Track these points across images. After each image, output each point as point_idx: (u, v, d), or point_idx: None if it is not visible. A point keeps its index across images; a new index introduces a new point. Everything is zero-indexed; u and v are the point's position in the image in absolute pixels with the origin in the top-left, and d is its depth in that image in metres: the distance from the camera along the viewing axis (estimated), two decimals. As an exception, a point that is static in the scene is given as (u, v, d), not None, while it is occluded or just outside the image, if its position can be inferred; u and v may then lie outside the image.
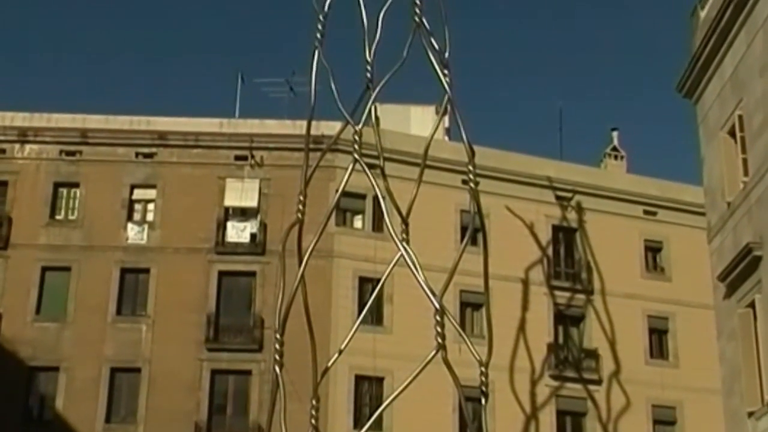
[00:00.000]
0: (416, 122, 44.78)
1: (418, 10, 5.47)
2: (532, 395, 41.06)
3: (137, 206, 41.63)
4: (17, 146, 41.52)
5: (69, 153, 41.64)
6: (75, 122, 42.01)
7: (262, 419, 37.58)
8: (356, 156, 5.19)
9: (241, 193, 40.98)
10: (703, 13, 27.77)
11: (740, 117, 24.86)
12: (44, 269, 40.31)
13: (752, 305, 23.38)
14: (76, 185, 41.43)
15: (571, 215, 44.06)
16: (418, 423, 37.55)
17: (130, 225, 40.96)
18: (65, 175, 41.45)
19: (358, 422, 38.49)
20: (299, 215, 5.14)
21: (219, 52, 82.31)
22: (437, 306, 4.55)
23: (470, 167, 5.26)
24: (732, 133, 25.43)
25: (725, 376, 25.24)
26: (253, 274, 40.52)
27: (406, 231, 4.99)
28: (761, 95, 23.62)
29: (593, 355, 42.53)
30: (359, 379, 39.05)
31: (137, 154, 41.87)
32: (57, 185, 41.37)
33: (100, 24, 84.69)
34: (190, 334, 39.28)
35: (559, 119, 48.64)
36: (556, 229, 43.95)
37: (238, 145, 41.85)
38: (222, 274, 40.66)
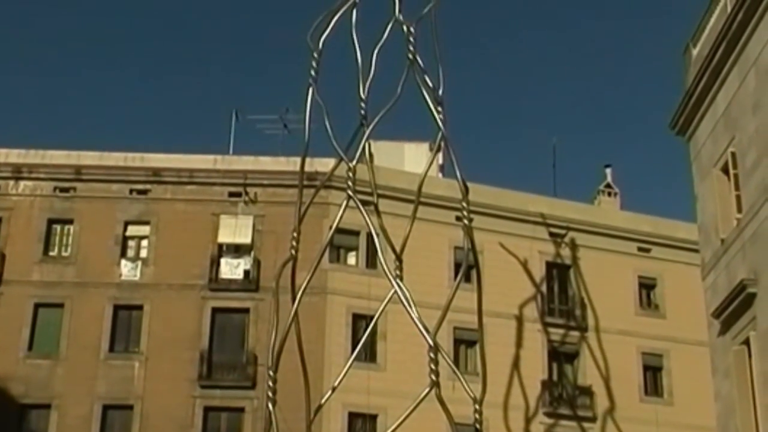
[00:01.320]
0: (410, 159, 44.88)
1: (411, 48, 5.50)
2: (527, 433, 40.87)
3: (131, 243, 41.56)
4: (11, 183, 41.51)
5: (63, 189, 41.63)
6: (69, 159, 42.04)
7: (255, 457, 37.35)
8: (350, 193, 5.20)
9: (235, 229, 40.96)
10: (695, 51, 27.91)
11: (733, 154, 24.92)
12: (37, 306, 40.17)
13: (747, 342, 23.33)
14: (70, 222, 41.38)
15: (565, 252, 44.05)
16: (412, 461, 37.32)
17: (123, 261, 40.89)
18: (59, 212, 41.41)
19: (351, 460, 38.27)
20: (293, 252, 5.13)
21: (213, 89, 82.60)
22: (431, 343, 4.54)
23: (464, 204, 5.27)
24: (725, 170, 25.48)
25: (720, 413, 25.14)
26: (246, 310, 40.41)
27: (400, 268, 4.99)
28: (754, 132, 23.69)
29: (588, 392, 42.39)
30: (353, 417, 38.86)
31: (131, 191, 41.87)
32: (51, 221, 41.33)
33: (95, 62, 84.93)
34: (182, 371, 39.10)
35: (553, 156, 48.85)
36: (549, 265, 43.92)
37: (232, 181, 41.87)
38: (215, 311, 40.54)
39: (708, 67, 26.19)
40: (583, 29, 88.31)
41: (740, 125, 24.59)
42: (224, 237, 41.04)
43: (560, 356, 43.04)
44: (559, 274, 44.15)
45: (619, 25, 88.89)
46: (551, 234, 43.98)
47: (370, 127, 5.48)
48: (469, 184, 5.58)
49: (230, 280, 40.58)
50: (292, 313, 4.96)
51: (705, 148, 27.04)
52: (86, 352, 39.32)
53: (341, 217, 5.39)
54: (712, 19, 26.75)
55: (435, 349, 4.60)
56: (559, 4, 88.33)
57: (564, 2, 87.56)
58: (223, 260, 40.89)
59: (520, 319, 42.14)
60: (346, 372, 5.32)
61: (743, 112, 24.43)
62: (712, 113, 26.60)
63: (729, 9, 25.01)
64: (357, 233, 39.24)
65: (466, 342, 40.59)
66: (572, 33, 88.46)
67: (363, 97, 5.58)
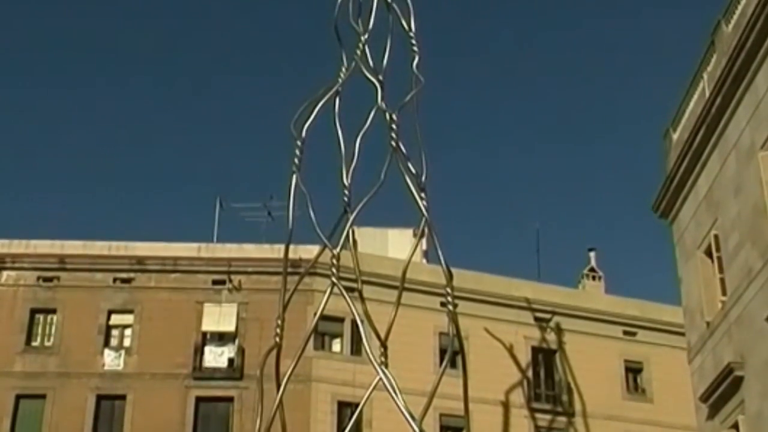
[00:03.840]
0: (394, 245, 44.92)
1: (394, 135, 5.54)
2: None
3: (114, 332, 41.30)
4: (-5, 273, 41.34)
5: (47, 279, 41.48)
6: (53, 248, 41.97)
7: None
8: (334, 280, 5.19)
9: (219, 317, 40.79)
10: (675, 135, 28.20)
11: (716, 237, 25.05)
12: (18, 397, 39.71)
13: (736, 426, 23.21)
14: (53, 311, 41.14)
15: (551, 336, 43.94)
16: None
17: (106, 351, 40.58)
18: (42, 301, 41.20)
19: None
20: (277, 340, 5.11)
21: (197, 177, 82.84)
22: (417, 431, 4.50)
23: (448, 290, 5.26)
24: (708, 253, 25.59)
25: (710, 498, 24.91)
26: (230, 399, 40.04)
27: (385, 354, 4.96)
28: (736, 215, 23.84)
29: (576, 478, 41.97)
30: (339, 506, 38.36)
31: (115, 280, 41.74)
32: (34, 311, 41.08)
33: (79, 151, 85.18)
34: (166, 461, 38.60)
35: (536, 241, 48.96)
36: (535, 350, 43.78)
37: (216, 269, 41.81)
38: (199, 400, 40.15)
39: (688, 150, 26.44)
40: (565, 114, 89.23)
41: (722, 208, 24.75)
42: (208, 325, 40.83)
43: (548, 442, 42.68)
44: (545, 358, 43.98)
45: (600, 109, 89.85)
46: (536, 319, 43.92)
47: (354, 214, 5.50)
48: (453, 270, 5.57)
49: (214, 369, 40.28)
50: (277, 401, 4.92)
51: (688, 231, 27.18)
52: (68, 443, 38.81)
53: (325, 304, 5.37)
54: (691, 104, 27.08)
55: (421, 436, 4.55)
56: (541, 91, 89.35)
57: (544, 89, 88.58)
58: (207, 348, 40.63)
59: (506, 405, 41.84)
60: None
61: (725, 195, 24.61)
62: (694, 196, 26.79)
63: (707, 94, 25.34)
64: (341, 320, 39.10)
65: (452, 429, 40.22)
66: (553, 119, 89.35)
67: (346, 184, 5.60)
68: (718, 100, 24.47)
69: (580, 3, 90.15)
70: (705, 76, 26.08)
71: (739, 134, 23.77)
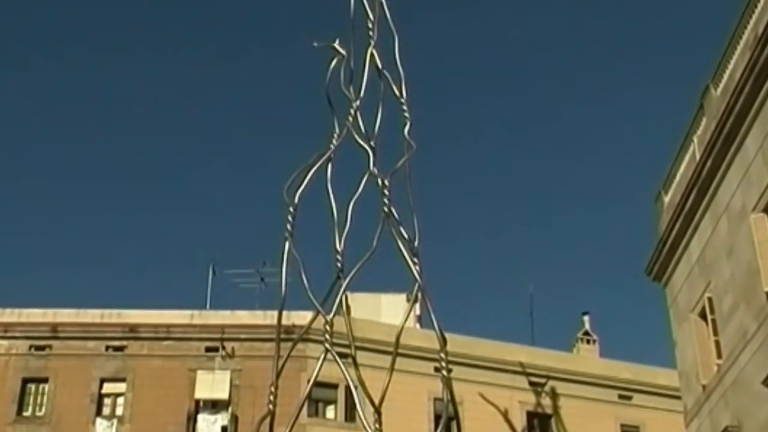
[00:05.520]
0: (387, 310, 44.79)
1: (387, 201, 5.55)
2: None
3: (107, 400, 41.00)
4: (-14, 342, 41.13)
5: (39, 348, 41.26)
6: (46, 317, 41.80)
7: None
8: (327, 346, 5.17)
9: (212, 384, 40.54)
10: (667, 198, 28.30)
11: (710, 299, 25.04)
12: (10, 468, 39.34)
13: (733, 490, 23.02)
14: (45, 380, 40.87)
15: (546, 401, 43.70)
16: None
17: (99, 420, 40.23)
18: (34, 370, 40.93)
19: None
20: (271, 407, 5.08)
21: (190, 244, 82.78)
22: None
23: (442, 355, 5.25)
24: (703, 316, 25.56)
25: None
26: (224, 468, 39.67)
27: (379, 421, 4.93)
28: (729, 277, 23.85)
29: None
30: None
31: (107, 347, 41.52)
32: (25, 381, 40.79)
33: (70, 222, 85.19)
34: None
35: (530, 304, 48.81)
36: (530, 415, 43.50)
37: (209, 336, 41.64)
38: (193, 469, 39.79)
39: (680, 213, 26.53)
40: (557, 178, 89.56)
41: (715, 270, 24.77)
42: (201, 392, 40.56)
43: None
44: (540, 423, 43.70)
45: (592, 172, 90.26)
46: (531, 383, 43.70)
47: (347, 280, 5.50)
48: (446, 335, 5.56)
49: (207, 437, 39.94)
50: (271, 470, 4.88)
51: (681, 293, 27.17)
52: None
53: (319, 371, 5.35)
54: (682, 167, 27.22)
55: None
56: (533, 153, 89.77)
57: (537, 151, 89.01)
58: (200, 416, 40.31)
59: (502, 471, 41.46)
60: None
61: (718, 257, 24.64)
62: (686, 259, 26.82)
63: (698, 157, 25.49)
64: (335, 386, 38.89)
65: (448, 496, 39.86)
66: (546, 182, 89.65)
67: (339, 249, 5.61)
68: (709, 163, 24.61)
69: (570, 74, 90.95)
70: (695, 139, 26.25)
71: (731, 197, 23.87)
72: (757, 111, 22.27)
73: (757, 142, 22.42)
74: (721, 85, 24.54)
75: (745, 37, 23.16)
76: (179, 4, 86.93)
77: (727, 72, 24.20)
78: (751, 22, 22.81)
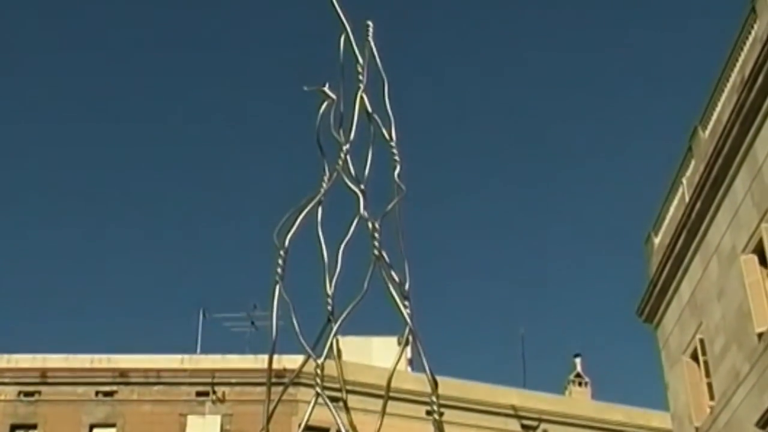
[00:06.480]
0: (378, 353, 44.67)
1: (377, 244, 5.56)
2: None
3: (96, 446, 40.76)
4: (-26, 388, 40.90)
5: (28, 393, 41.02)
6: (35, 362, 41.60)
7: None
8: (318, 390, 5.15)
9: (203, 429, 40.32)
10: (657, 240, 28.37)
11: (701, 341, 25.04)
12: None
13: None
14: (34, 426, 40.60)
15: (539, 444, 43.54)
16: None
17: (88, 466, 39.98)
18: (23, 417, 40.66)
19: None
20: (261, 452, 5.04)
21: (180, 288, 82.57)
22: None
23: (434, 398, 5.23)
24: (695, 358, 25.55)
25: None
26: None
27: (371, 465, 4.91)
28: (720, 319, 23.87)
29: None
30: None
31: (97, 393, 41.31)
32: (14, 427, 40.50)
33: (59, 267, 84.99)
34: None
35: (521, 347, 48.77)
36: (523, 458, 43.35)
37: (200, 380, 41.47)
38: None
39: (670, 255, 26.59)
40: (547, 221, 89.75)
41: (706, 312, 24.79)
42: (192, 438, 40.36)
43: None
44: (533, 467, 43.53)
45: (582, 214, 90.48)
46: (523, 426, 43.55)
47: (338, 324, 5.48)
48: (438, 378, 5.55)
49: (198, 483, 39.70)
50: None
51: (673, 335, 27.17)
52: None
53: (310, 415, 5.33)
54: (672, 209, 27.32)
55: None
56: (521, 196, 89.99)
57: (524, 194, 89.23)
58: (190, 462, 40.09)
59: None
60: None
61: (708, 299, 24.67)
62: (677, 301, 26.85)
63: (687, 199, 25.59)
64: (326, 430, 38.24)
65: None
66: (536, 225, 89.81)
67: (329, 293, 5.60)
68: (698, 205, 24.71)
69: (562, 118, 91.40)
70: (684, 181, 26.36)
71: (720, 238, 23.94)
72: (745, 153, 22.40)
73: (745, 184, 22.52)
74: (709, 128, 24.70)
75: (732, 79, 23.34)
76: (169, 73, 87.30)
77: (715, 114, 24.37)
78: (738, 64, 23.00)
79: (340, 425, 5.15)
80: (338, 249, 5.87)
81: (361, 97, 6.30)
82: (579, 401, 47.21)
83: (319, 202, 6.02)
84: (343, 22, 6.52)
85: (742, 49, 22.83)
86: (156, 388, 41.49)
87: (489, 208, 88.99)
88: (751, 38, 22.41)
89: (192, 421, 40.52)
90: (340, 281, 5.68)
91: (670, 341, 27.39)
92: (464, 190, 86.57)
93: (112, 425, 40.88)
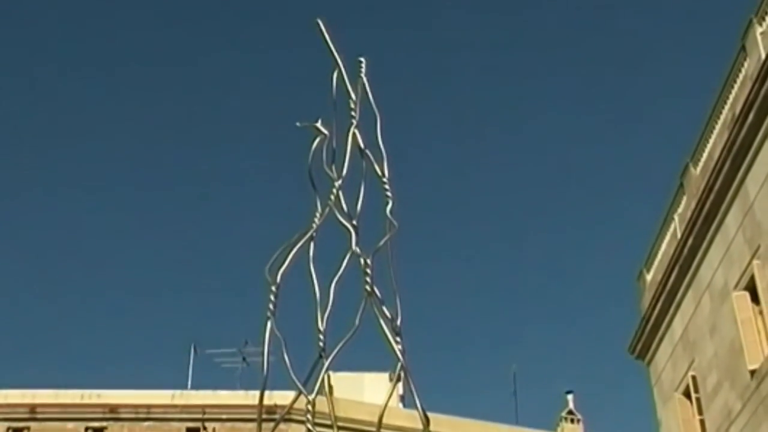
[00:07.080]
0: (370, 390, 44.50)
1: (369, 279, 5.55)
2: None
3: (85, 483, 40.43)
4: (-37, 424, 40.61)
5: (17, 429, 40.70)
6: (24, 398, 41.33)
7: None
8: (310, 426, 5.13)
9: (193, 466, 40.07)
10: (649, 276, 28.36)
11: (694, 378, 24.98)
12: None
13: None
14: (23, 463, 40.32)
15: (531, 482, 43.34)
16: None
17: (77, 503, 39.65)
18: (12, 452, 40.37)
19: None
20: (252, 489, 5.02)
21: (171, 323, 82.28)
22: None
23: (425, 435, 5.20)
24: (687, 394, 25.48)
25: None
26: None
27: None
28: (713, 355, 23.82)
29: None
30: None
31: (87, 429, 41.02)
32: (2, 463, 40.25)
33: (49, 300, 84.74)
34: None
35: (513, 383, 48.58)
36: (516, 496, 43.13)
37: (191, 416, 41.20)
38: None
39: (662, 291, 26.57)
40: (539, 257, 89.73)
41: (699, 349, 24.75)
42: (182, 474, 40.08)
43: None
44: (525, 504, 43.30)
45: (574, 250, 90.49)
46: (515, 463, 43.36)
47: (329, 360, 5.47)
48: (430, 414, 5.53)
49: None
50: None
51: (665, 372, 27.10)
52: None
53: (301, 452, 5.30)
54: (664, 245, 27.34)
55: None
56: (514, 233, 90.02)
57: (517, 231, 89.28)
58: (180, 499, 39.79)
59: None
60: None
61: (701, 335, 24.64)
62: (669, 337, 26.81)
63: (679, 234, 25.61)
64: (318, 467, 38.48)
65: None
66: (528, 261, 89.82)
67: (321, 329, 5.59)
68: (690, 241, 24.72)
69: (556, 150, 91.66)
70: (676, 217, 26.40)
71: (712, 274, 23.94)
72: (737, 189, 22.45)
73: (737, 220, 22.56)
74: (701, 164, 24.76)
75: (723, 116, 23.44)
76: (161, 118, 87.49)
77: (706, 151, 24.44)
78: (729, 101, 23.10)
79: (332, 462, 5.12)
80: (330, 284, 5.86)
81: (354, 133, 6.31)
82: (571, 438, 47.03)
83: (311, 238, 6.01)
84: (335, 58, 6.54)
85: (732, 86, 22.94)
86: (146, 424, 41.22)
87: (482, 245, 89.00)
88: (741, 76, 22.52)
89: (182, 457, 40.26)
90: (332, 317, 5.67)
91: (662, 378, 27.32)
92: (457, 229, 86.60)
93: (102, 461, 40.59)
